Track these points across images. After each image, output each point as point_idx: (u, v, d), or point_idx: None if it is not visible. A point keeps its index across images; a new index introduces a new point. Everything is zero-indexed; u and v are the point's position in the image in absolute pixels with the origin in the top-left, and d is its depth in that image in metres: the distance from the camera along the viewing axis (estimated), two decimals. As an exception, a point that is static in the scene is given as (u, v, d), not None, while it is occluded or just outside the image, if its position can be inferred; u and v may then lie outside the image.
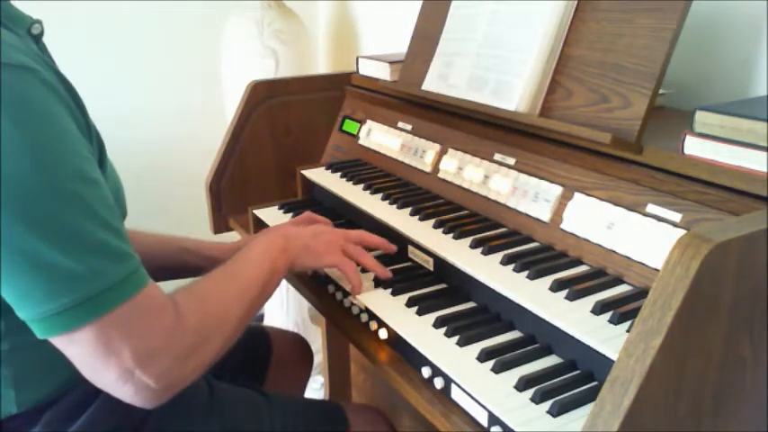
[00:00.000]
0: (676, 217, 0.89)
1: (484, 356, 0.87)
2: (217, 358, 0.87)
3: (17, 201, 0.71)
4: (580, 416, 0.76)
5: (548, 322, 0.86)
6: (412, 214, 1.20)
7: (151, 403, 0.80)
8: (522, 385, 0.81)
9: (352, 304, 1.07)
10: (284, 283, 1.09)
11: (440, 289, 1.07)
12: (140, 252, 1.01)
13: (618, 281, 0.93)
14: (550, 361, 0.88)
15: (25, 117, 0.72)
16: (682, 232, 0.84)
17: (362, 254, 1.08)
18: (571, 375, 0.84)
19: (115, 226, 0.78)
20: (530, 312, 0.89)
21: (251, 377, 1.30)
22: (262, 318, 2.44)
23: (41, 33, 0.88)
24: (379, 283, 1.08)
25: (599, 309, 0.85)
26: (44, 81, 0.75)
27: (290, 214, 1.40)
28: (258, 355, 1.35)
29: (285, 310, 2.35)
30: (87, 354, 0.76)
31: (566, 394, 0.79)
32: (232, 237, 1.57)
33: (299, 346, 1.46)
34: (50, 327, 0.74)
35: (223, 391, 1.05)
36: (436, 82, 1.33)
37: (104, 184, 0.80)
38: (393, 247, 1.13)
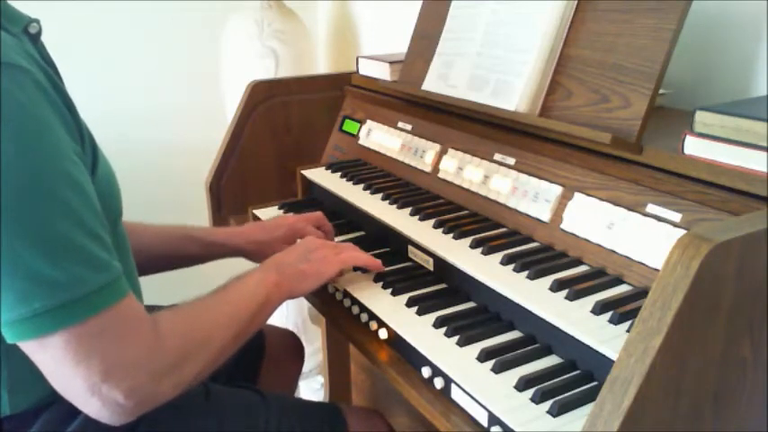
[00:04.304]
0: (676, 217, 0.89)
1: (484, 356, 0.87)
2: (197, 380, 0.86)
3: (2, 201, 0.70)
4: (580, 416, 0.76)
5: (548, 322, 0.86)
6: (412, 214, 1.20)
7: (119, 419, 0.78)
8: (522, 385, 0.81)
9: (353, 304, 1.07)
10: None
11: (440, 289, 1.07)
12: (143, 242, 1.00)
13: (618, 281, 0.93)
14: (550, 361, 0.88)
15: (14, 117, 0.71)
16: (682, 232, 0.84)
17: (357, 257, 1.09)
18: (571, 375, 0.84)
19: (99, 234, 0.77)
20: (530, 312, 0.89)
21: (244, 374, 1.31)
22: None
23: (39, 32, 0.87)
24: (379, 282, 1.08)
25: (599, 309, 0.85)
26: (35, 82, 0.75)
27: (290, 214, 1.40)
28: (252, 352, 1.35)
29: (285, 311, 2.34)
30: (56, 362, 0.74)
31: (566, 394, 0.79)
32: (232, 237, 1.57)
33: (291, 343, 1.47)
34: (20, 331, 0.73)
35: (219, 392, 1.05)
36: (436, 82, 1.33)
37: (92, 189, 0.79)
38: (378, 264, 1.10)
